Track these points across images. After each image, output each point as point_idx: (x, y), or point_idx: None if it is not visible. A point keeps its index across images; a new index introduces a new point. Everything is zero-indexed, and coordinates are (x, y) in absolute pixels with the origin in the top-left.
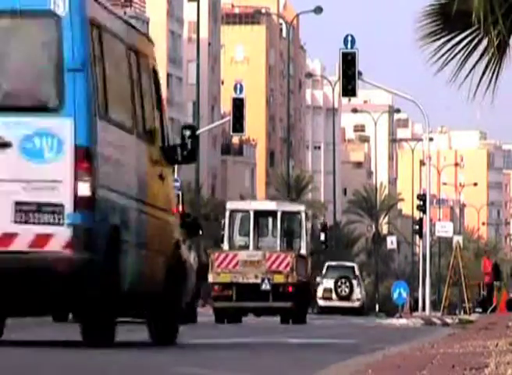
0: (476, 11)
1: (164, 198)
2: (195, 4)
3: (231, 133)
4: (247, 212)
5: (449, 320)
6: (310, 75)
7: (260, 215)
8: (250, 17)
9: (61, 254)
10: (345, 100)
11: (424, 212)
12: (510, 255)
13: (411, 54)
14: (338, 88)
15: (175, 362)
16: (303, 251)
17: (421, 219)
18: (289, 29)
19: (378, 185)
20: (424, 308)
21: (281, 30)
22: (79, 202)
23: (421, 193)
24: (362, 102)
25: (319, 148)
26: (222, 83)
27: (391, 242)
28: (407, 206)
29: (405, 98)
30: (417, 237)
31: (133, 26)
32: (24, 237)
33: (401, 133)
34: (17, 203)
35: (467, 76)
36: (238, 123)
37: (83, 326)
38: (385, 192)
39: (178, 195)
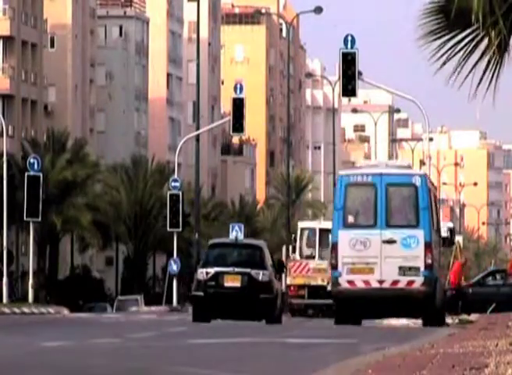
0: (476, 11)
1: (440, 261)
2: (195, 4)
3: (231, 133)
4: (314, 229)
5: (449, 320)
6: (310, 75)
7: (323, 232)
8: (250, 17)
9: (419, 289)
10: (345, 100)
11: None
12: (510, 255)
13: (411, 54)
14: (338, 88)
15: (176, 362)
16: None
17: None
18: (289, 29)
19: None
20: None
21: (281, 30)
22: (426, 266)
23: None
24: (362, 102)
25: (319, 148)
26: (222, 83)
27: None
28: None
29: (405, 98)
30: None
31: (433, 183)
32: (403, 282)
33: (401, 133)
34: (399, 267)
35: (468, 75)
36: (238, 123)
37: (424, 320)
38: None
39: (178, 196)
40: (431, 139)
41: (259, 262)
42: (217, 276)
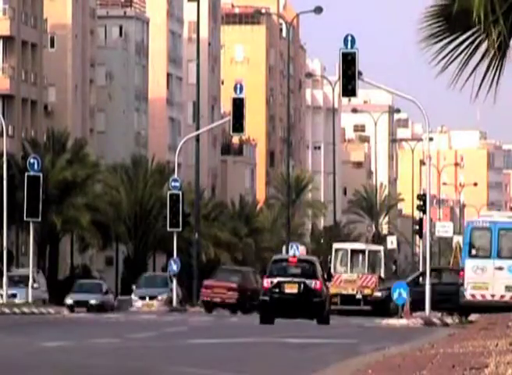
0: (476, 10)
1: None
2: (195, 4)
3: (231, 133)
4: (346, 250)
5: (449, 320)
6: (310, 75)
7: (354, 252)
8: (250, 17)
9: None
10: (345, 100)
11: (425, 212)
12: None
13: (412, 54)
14: (338, 88)
15: (175, 362)
16: (382, 274)
17: (421, 219)
18: (289, 29)
19: (378, 185)
20: (424, 309)
21: (281, 30)
22: None
23: (421, 193)
24: (362, 102)
25: (319, 148)
26: (222, 83)
27: (391, 242)
28: (407, 206)
29: (405, 98)
30: (417, 237)
31: None
32: (508, 296)
33: (401, 133)
34: (506, 286)
35: (469, 77)
36: (238, 123)
37: None
38: (385, 192)
39: (178, 196)
40: (431, 139)
41: (312, 273)
42: (279, 285)
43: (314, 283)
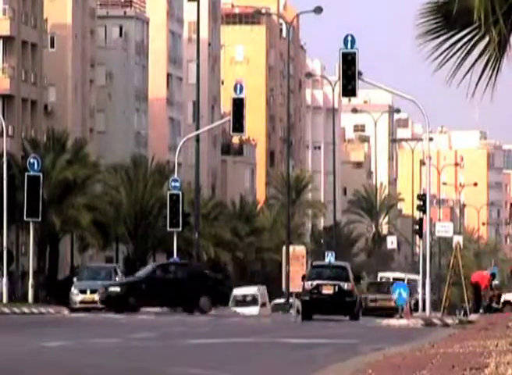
0: (477, 10)
1: None
2: (195, 4)
3: (231, 133)
4: (389, 278)
5: (449, 321)
6: (310, 75)
7: (395, 280)
8: (250, 17)
9: None
10: (345, 100)
11: (425, 212)
12: (510, 254)
13: (411, 54)
14: (338, 88)
15: (175, 362)
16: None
17: (421, 219)
18: (289, 29)
19: (378, 185)
20: (424, 309)
21: (281, 30)
22: None
23: (421, 193)
24: (362, 102)
25: (319, 148)
26: (222, 83)
27: (391, 242)
28: (407, 206)
29: (405, 98)
30: (417, 237)
31: None
32: None
33: (401, 133)
34: None
35: (467, 73)
36: (238, 123)
37: None
38: (385, 192)
39: (178, 196)
40: (431, 139)
41: (345, 276)
42: (317, 286)
43: (347, 285)
